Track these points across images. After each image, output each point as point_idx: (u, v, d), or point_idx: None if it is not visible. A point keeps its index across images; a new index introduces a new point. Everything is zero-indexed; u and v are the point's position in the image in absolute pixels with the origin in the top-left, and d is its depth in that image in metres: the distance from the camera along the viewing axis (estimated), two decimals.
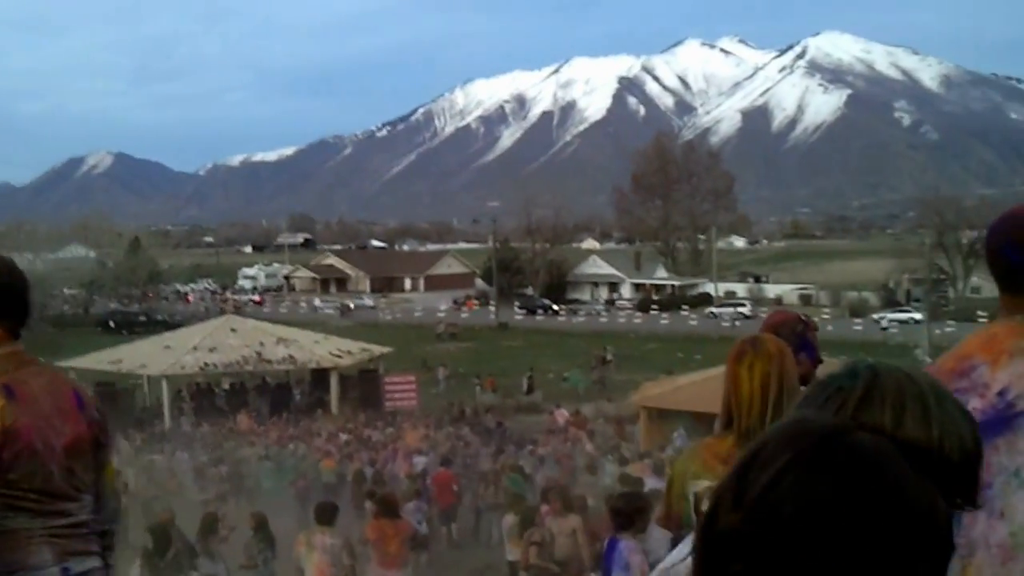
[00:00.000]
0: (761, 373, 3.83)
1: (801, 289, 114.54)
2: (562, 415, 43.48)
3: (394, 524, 13.11)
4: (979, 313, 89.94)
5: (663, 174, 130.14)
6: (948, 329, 76.98)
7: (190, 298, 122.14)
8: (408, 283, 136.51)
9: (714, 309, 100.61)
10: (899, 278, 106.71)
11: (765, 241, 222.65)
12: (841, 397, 1.39)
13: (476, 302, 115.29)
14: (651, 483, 17.41)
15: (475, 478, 25.77)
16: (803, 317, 4.79)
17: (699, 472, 3.97)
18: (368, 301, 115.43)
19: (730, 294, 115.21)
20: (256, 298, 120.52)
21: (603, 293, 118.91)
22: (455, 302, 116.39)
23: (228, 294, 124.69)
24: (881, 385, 1.39)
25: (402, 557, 13.14)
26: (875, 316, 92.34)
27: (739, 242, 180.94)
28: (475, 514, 23.84)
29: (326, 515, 12.35)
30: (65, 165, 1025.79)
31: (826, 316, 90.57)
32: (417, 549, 20.14)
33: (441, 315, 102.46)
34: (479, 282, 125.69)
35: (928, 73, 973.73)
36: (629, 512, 8.59)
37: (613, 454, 26.56)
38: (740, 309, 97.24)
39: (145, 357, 48.03)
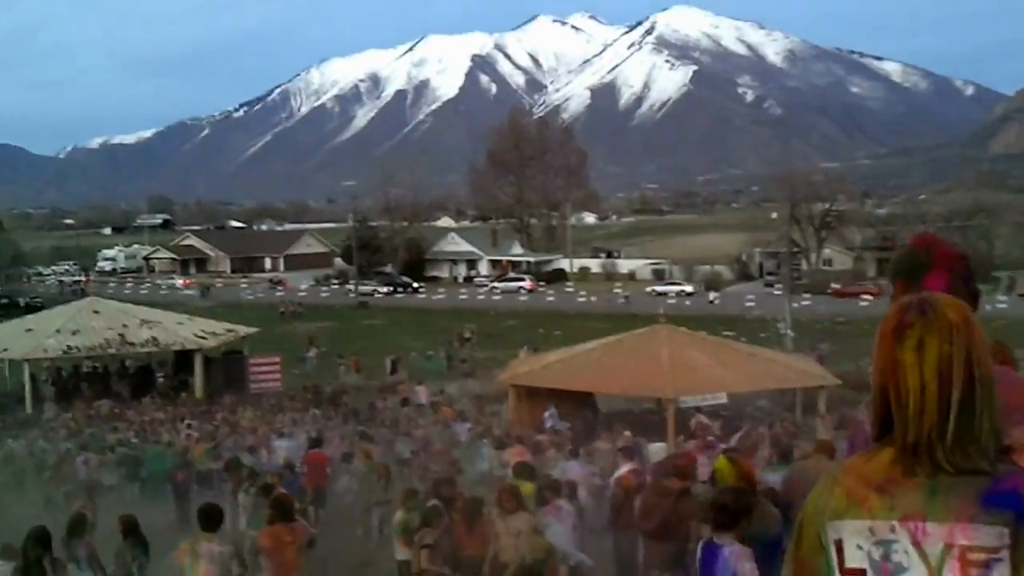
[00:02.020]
0: (938, 355, 2.54)
1: (654, 264, 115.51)
2: (424, 392, 43.07)
3: (290, 529, 11.83)
4: (833, 286, 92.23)
5: (517, 151, 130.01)
6: (805, 303, 78.42)
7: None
8: (268, 263, 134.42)
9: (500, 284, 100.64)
10: (751, 251, 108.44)
11: (615, 217, 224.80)
12: None
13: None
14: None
15: (342, 464, 25.13)
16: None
17: (841, 509, 2.62)
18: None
19: (584, 270, 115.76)
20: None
21: (461, 270, 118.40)
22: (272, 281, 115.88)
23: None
24: None
25: (299, 564, 11.91)
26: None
27: (590, 218, 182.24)
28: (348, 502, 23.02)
29: (212, 520, 11.09)
30: None
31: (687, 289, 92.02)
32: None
33: (302, 294, 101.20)
34: (338, 261, 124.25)
35: (773, 48, 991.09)
36: (735, 511, 7.33)
37: (488, 437, 25.98)
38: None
39: (6, 340, 46.10)
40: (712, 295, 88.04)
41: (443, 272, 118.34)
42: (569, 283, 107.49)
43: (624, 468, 17.30)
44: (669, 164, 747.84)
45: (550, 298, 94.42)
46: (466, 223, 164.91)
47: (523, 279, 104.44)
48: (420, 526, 12.85)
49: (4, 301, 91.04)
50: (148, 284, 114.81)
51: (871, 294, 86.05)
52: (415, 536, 12.79)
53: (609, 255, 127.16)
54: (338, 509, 22.46)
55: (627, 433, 23.27)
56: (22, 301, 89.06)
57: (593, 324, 64.14)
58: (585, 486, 18.02)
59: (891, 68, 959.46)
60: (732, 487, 7.96)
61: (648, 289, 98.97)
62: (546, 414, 30.07)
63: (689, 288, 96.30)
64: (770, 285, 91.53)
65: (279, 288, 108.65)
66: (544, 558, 10.05)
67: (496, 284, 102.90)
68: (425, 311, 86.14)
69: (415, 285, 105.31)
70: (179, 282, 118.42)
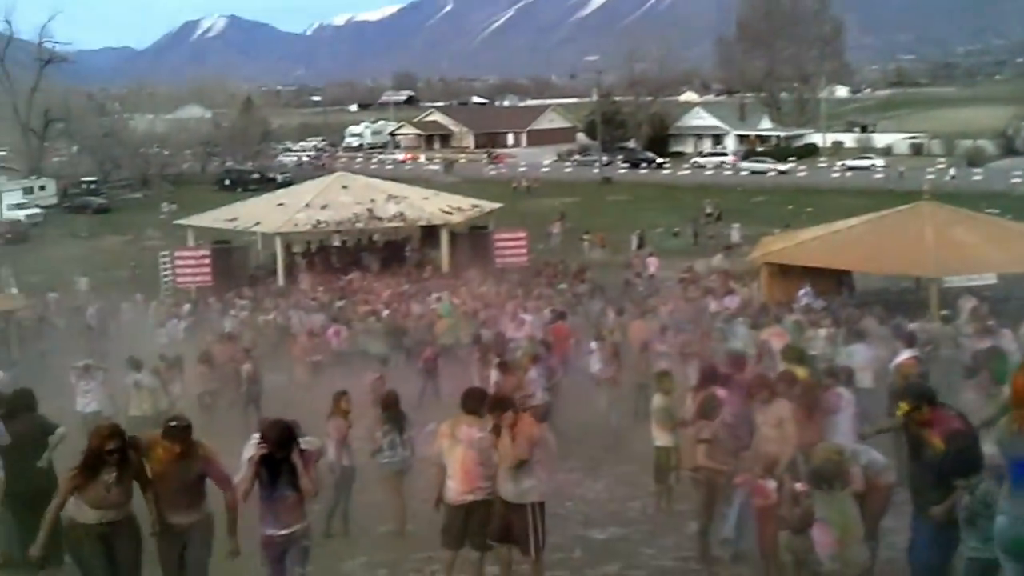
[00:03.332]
0: None
1: (911, 138, 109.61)
2: (654, 263, 42.42)
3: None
4: None
5: (768, 21, 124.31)
6: None
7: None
8: (511, 138, 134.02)
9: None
10: (1018, 125, 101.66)
11: (868, 90, 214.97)
12: None
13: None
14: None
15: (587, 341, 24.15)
16: None
17: None
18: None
19: (837, 144, 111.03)
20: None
21: (706, 145, 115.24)
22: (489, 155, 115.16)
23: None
24: None
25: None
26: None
27: (842, 91, 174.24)
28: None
29: (473, 403, 10.36)
30: (181, 29, 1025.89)
31: (941, 166, 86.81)
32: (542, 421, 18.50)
33: (545, 170, 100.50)
34: (581, 136, 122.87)
35: None
36: None
37: (741, 315, 24.48)
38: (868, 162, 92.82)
39: (259, 215, 47.10)
40: (952, 170, 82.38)
41: (687, 147, 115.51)
42: (821, 158, 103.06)
43: (904, 354, 15.78)
44: (927, 34, 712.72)
45: (801, 173, 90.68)
46: (710, 97, 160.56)
47: (725, 153, 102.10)
48: (696, 417, 11.55)
49: (256, 176, 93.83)
50: (376, 161, 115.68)
51: None
52: (690, 429, 11.51)
53: (863, 129, 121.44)
54: (580, 386, 21.62)
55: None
56: (274, 177, 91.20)
57: (847, 201, 61.39)
58: (869, 371, 16.52)
59: None
60: None
61: (839, 163, 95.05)
62: (801, 292, 28.77)
63: (880, 162, 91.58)
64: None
65: (497, 165, 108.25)
66: (833, 459, 8.62)
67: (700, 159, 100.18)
68: (670, 187, 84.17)
69: (659, 161, 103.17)
70: (400, 156, 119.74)
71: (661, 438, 14.00)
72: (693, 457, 11.38)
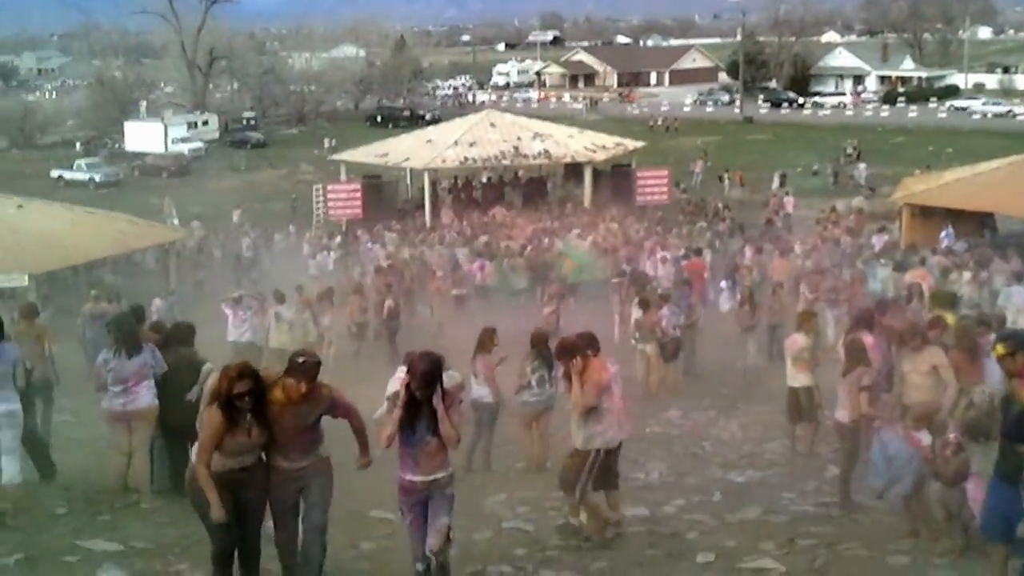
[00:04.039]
0: None
1: None
2: (790, 202, 42.18)
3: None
4: None
5: None
6: None
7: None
8: (653, 77, 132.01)
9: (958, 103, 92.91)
10: None
11: (1011, 31, 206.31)
12: None
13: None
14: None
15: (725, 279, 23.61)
16: None
17: None
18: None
19: (978, 86, 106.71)
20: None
21: (847, 86, 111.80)
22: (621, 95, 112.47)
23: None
24: None
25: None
26: None
27: (984, 32, 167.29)
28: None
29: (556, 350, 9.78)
30: None
31: None
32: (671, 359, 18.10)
33: (686, 109, 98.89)
34: (723, 76, 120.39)
35: None
36: None
37: (885, 256, 23.58)
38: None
39: (408, 151, 47.23)
40: None
41: (829, 87, 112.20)
42: (962, 99, 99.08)
43: None
44: None
45: (942, 114, 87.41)
46: (852, 38, 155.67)
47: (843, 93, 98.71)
48: (848, 363, 10.92)
49: (406, 114, 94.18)
50: (521, 101, 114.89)
51: None
52: (844, 376, 10.90)
53: (1005, 70, 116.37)
54: (715, 325, 21.20)
55: None
56: (424, 114, 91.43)
57: (988, 142, 58.99)
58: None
59: None
60: None
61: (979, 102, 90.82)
62: (943, 234, 27.70)
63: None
64: None
65: (630, 103, 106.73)
66: (990, 410, 8.01)
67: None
68: (810, 127, 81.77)
69: (800, 100, 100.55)
70: (533, 95, 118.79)
71: (798, 379, 13.45)
72: (847, 403, 10.74)
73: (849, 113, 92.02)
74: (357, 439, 7.79)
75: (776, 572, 8.47)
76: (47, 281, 26.92)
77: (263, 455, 7.57)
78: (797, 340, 13.54)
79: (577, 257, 27.83)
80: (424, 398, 7.35)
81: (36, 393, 12.16)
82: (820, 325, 15.45)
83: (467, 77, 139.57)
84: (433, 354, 7.57)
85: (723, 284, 23.26)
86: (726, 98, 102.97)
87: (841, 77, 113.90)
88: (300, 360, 7.38)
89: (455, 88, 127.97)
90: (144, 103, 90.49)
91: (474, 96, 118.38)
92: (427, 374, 7.31)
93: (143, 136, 78.28)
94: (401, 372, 8.64)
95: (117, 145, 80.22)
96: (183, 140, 77.78)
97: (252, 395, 7.22)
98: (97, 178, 63.50)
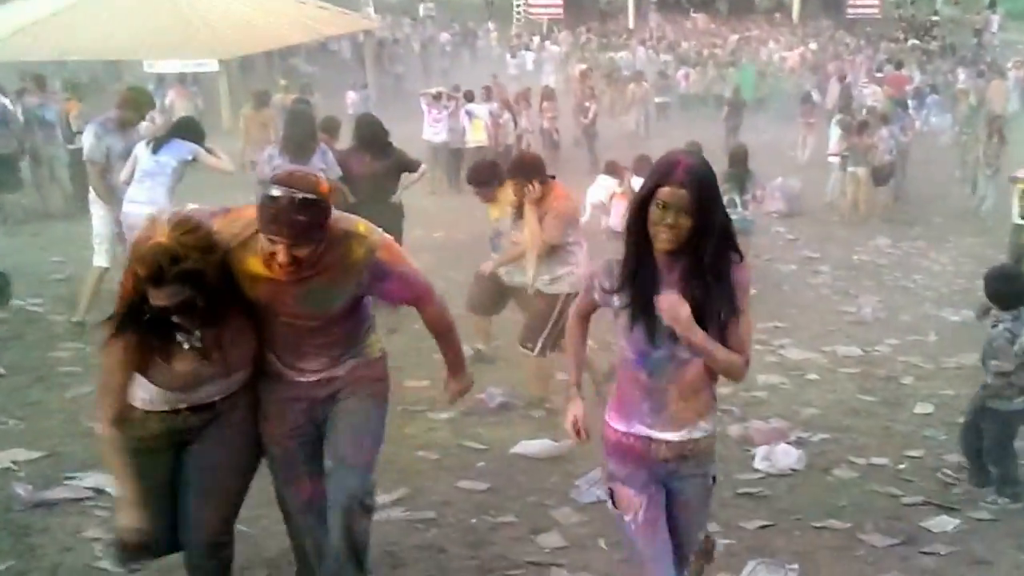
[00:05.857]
0: None
1: None
2: (995, 20, 39.52)
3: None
4: None
5: None
6: None
7: None
8: None
9: None
10: None
11: None
12: None
13: None
14: None
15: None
16: None
17: None
18: None
19: None
20: None
21: None
22: None
23: None
24: None
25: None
26: None
27: None
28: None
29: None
30: None
31: None
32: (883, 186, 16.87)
33: None
34: None
35: None
36: None
37: None
38: None
39: None
40: None
41: None
42: None
43: None
44: None
45: None
46: None
47: None
48: None
49: None
50: None
51: None
52: None
53: None
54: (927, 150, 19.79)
55: None
56: None
57: None
58: None
59: None
60: None
61: None
62: None
63: None
64: None
65: None
66: None
67: None
68: None
69: None
70: None
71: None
72: None
73: None
74: (439, 344, 4.21)
75: None
76: (239, 68, 26.25)
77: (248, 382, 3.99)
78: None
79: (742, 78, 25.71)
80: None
81: None
82: None
83: None
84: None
85: (929, 99, 21.58)
86: None
87: None
88: (272, 194, 3.38)
89: None
90: None
91: None
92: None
93: None
94: (602, 179, 7.69)
95: None
96: None
97: (192, 299, 3.45)
98: None
